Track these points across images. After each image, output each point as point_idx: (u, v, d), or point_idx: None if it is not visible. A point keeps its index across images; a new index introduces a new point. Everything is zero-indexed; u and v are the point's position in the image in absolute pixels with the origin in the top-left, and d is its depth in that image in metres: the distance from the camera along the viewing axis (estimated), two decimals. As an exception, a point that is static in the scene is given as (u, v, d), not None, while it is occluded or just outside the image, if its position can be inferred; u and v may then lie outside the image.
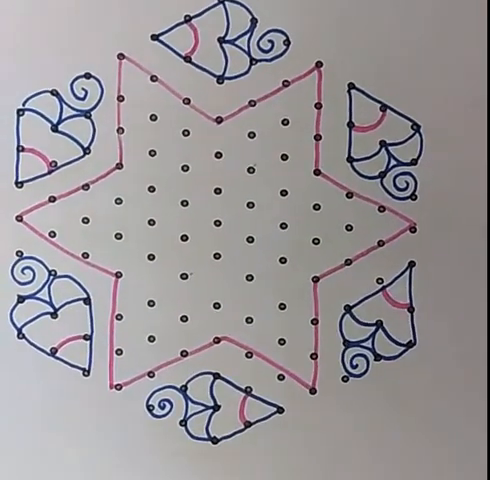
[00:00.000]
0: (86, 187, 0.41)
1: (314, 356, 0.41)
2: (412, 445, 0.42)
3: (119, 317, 0.41)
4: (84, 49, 0.41)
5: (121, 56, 0.41)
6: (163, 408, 0.41)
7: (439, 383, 0.42)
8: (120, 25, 0.41)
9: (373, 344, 0.42)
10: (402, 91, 0.41)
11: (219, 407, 0.41)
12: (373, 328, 0.42)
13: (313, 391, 0.42)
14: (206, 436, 0.41)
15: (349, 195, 0.41)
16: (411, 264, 0.42)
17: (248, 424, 0.41)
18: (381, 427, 0.42)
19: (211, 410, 0.41)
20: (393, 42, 0.41)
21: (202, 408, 0.41)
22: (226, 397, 0.41)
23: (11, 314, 0.41)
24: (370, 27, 0.41)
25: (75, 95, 0.41)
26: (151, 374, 0.41)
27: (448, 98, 0.41)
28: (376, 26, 0.41)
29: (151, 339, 0.41)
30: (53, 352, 0.41)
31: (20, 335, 0.41)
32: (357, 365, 0.42)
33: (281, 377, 0.41)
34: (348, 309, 0.42)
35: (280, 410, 0.42)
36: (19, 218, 0.41)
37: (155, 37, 0.41)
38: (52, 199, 0.41)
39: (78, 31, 0.40)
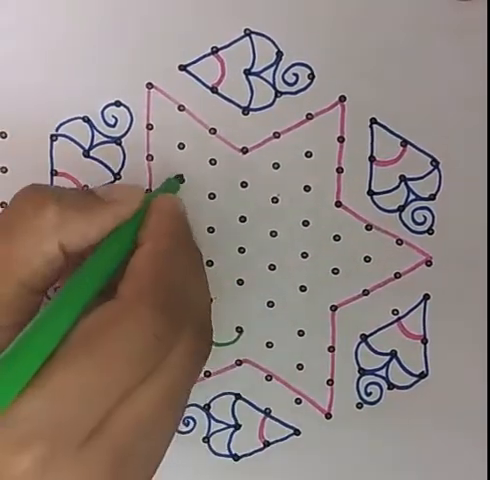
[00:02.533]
0: (117, 212, 0.42)
1: (330, 382, 0.43)
2: (422, 470, 0.44)
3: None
4: (114, 77, 0.41)
5: (150, 85, 0.41)
6: (187, 425, 0.43)
7: (449, 414, 0.44)
8: (149, 55, 0.41)
9: (387, 373, 0.43)
10: (423, 127, 0.42)
11: (240, 426, 0.44)
12: (387, 358, 0.43)
13: (328, 416, 0.44)
14: (228, 453, 0.44)
15: (368, 227, 0.43)
16: (426, 297, 0.43)
17: (267, 443, 0.44)
18: (393, 454, 0.44)
19: (232, 428, 0.44)
20: (415, 80, 0.42)
21: (224, 426, 0.44)
22: (247, 417, 0.44)
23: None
24: (394, 64, 0.41)
25: (106, 122, 0.42)
26: (177, 392, 0.43)
27: (467, 136, 0.42)
28: (399, 63, 0.41)
29: (178, 359, 0.43)
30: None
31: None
32: (371, 393, 0.43)
33: (298, 401, 0.44)
34: (364, 338, 0.43)
35: (297, 432, 0.44)
36: (54, 240, 0.42)
37: (183, 67, 0.41)
38: (85, 223, 0.42)
39: (108, 61, 0.41)
